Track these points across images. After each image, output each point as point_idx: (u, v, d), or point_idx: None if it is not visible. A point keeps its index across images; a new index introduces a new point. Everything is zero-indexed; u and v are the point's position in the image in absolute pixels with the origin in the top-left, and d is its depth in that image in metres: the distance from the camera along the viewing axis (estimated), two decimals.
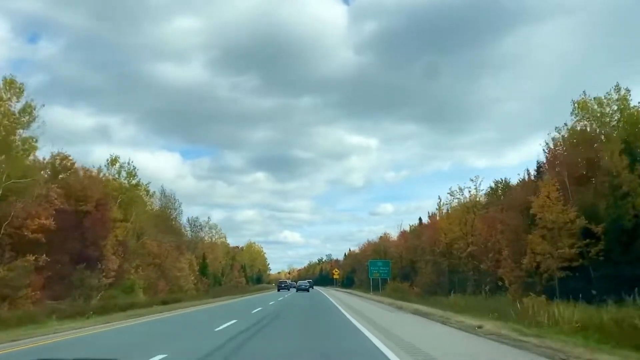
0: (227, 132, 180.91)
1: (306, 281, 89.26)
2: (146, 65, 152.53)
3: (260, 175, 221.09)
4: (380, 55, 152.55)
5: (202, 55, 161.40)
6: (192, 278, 45.74)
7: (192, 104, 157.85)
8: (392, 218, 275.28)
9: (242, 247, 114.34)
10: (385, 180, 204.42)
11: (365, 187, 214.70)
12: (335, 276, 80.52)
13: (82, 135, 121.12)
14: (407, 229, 63.36)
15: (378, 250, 68.68)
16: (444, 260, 38.70)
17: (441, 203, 44.38)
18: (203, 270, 52.46)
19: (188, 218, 60.37)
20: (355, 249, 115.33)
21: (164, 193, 50.10)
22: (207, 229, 60.91)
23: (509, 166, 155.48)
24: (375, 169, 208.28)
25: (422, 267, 44.27)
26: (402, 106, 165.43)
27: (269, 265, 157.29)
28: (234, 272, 76.72)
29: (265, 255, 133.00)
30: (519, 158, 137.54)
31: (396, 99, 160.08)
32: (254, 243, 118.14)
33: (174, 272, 39.31)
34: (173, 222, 49.65)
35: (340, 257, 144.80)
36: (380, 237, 71.23)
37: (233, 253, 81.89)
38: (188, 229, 59.22)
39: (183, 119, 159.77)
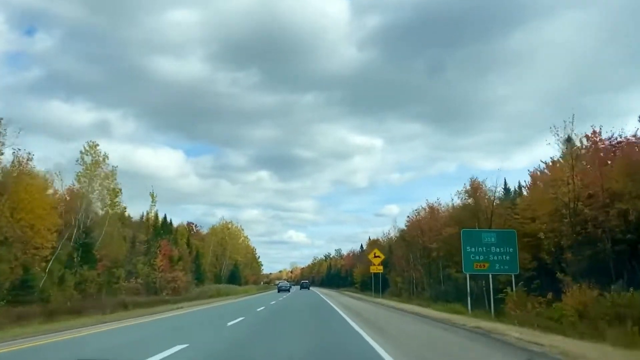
0: (228, 129, 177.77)
1: (286, 282, 75.68)
2: (144, 59, 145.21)
3: (263, 174, 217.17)
4: (383, 52, 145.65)
5: (201, 49, 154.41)
6: None
7: (192, 99, 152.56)
8: (397, 220, 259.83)
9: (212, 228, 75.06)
10: (389, 182, 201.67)
11: (370, 188, 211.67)
12: (375, 269, 38.67)
13: (82, 130, 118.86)
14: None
15: (473, 209, 28.82)
16: None
17: None
18: None
19: None
20: (379, 236, 77.55)
21: None
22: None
23: (516, 169, 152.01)
24: (379, 170, 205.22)
25: None
26: (406, 104, 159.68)
27: (260, 259, 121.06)
28: (157, 261, 37.37)
29: (248, 240, 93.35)
30: (527, 160, 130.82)
31: (400, 97, 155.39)
32: (231, 222, 78.53)
33: None
34: None
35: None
36: (471, 184, 31.52)
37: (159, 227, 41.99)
38: None
39: (183, 115, 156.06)
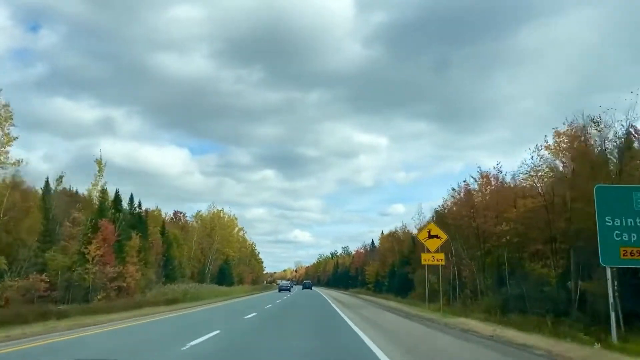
0: (233, 127, 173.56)
1: (287, 281, 77.45)
2: (148, 56, 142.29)
3: (268, 172, 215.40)
4: (389, 49, 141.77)
5: (205, 46, 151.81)
6: None
7: (197, 97, 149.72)
8: (403, 219, 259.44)
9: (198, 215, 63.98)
10: (395, 181, 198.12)
11: (375, 187, 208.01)
12: (430, 259, 22.93)
13: (86, 127, 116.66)
14: None
15: (590, 159, 16.80)
16: None
17: None
18: None
19: None
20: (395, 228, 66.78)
21: None
22: None
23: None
24: (385, 169, 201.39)
25: None
26: (412, 103, 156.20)
27: (261, 255, 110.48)
28: (91, 249, 26.07)
29: (244, 233, 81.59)
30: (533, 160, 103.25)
31: (406, 95, 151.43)
32: (222, 211, 66.91)
33: None
34: None
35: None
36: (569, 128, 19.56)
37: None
38: None
39: (188, 113, 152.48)
